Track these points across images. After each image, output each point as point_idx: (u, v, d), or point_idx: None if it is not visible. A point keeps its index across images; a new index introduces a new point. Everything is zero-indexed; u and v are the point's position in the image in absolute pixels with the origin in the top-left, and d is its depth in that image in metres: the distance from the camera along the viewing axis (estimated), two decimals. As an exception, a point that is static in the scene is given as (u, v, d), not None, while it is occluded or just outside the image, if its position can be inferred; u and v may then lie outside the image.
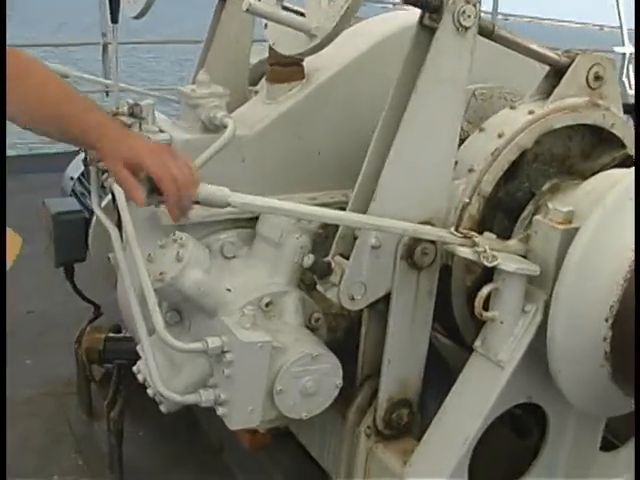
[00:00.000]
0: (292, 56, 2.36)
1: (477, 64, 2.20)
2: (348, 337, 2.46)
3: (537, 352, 2.02)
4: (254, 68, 3.32)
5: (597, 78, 2.36)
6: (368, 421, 2.35)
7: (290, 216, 2.25)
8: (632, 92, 12.11)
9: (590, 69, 2.34)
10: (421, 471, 2.19)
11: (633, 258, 1.90)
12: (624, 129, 2.44)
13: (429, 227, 2.10)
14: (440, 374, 2.36)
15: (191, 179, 1.87)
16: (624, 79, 11.85)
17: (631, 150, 2.43)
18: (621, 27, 12.87)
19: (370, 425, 2.35)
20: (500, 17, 13.67)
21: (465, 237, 2.00)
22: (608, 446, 2.53)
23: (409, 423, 2.36)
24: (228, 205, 1.96)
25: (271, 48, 2.53)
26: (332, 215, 2.07)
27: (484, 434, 2.13)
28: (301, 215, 2.14)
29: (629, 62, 12.03)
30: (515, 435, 2.47)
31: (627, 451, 2.55)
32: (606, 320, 1.93)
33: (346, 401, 2.37)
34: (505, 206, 2.27)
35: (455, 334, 2.36)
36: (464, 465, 2.13)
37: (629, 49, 12.19)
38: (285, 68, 2.63)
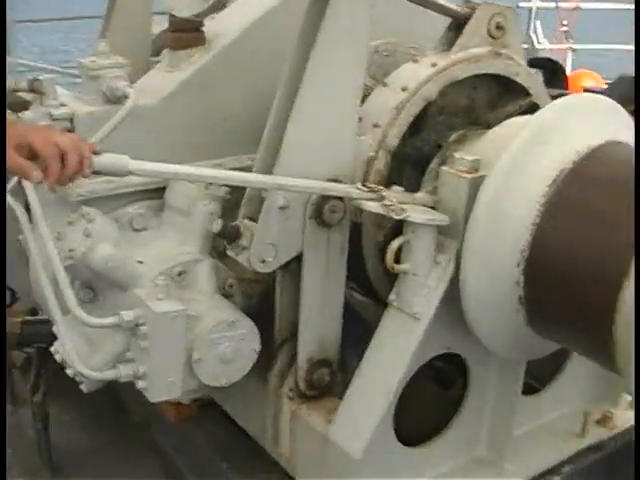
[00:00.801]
0: (190, 19, 2.31)
1: (380, 19, 2.17)
2: (264, 302, 2.44)
3: (453, 302, 2.03)
4: (157, 39, 3.23)
5: (499, 28, 2.36)
6: (290, 384, 2.34)
7: (192, 180, 2.22)
8: (540, 46, 12.33)
9: (491, 19, 2.34)
10: (345, 428, 2.18)
11: (541, 202, 1.91)
12: (528, 78, 2.45)
13: (336, 184, 2.08)
14: (359, 331, 2.36)
15: (77, 145, 1.84)
16: (532, 34, 12.04)
17: (536, 98, 2.45)
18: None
19: (292, 387, 2.34)
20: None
21: (372, 191, 1.99)
22: (530, 390, 2.57)
23: (331, 382, 2.35)
24: (130, 173, 1.91)
25: (172, 15, 2.47)
26: (235, 177, 2.05)
27: (408, 388, 2.14)
28: (203, 179, 2.11)
29: (536, 17, 12.21)
30: (439, 386, 2.49)
31: (549, 393, 2.60)
32: (517, 265, 1.94)
33: (266, 365, 2.36)
34: (412, 159, 2.27)
35: (370, 290, 2.36)
36: (388, 419, 2.13)
37: (535, 3, 12.35)
38: (186, 34, 2.56)
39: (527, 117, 2.16)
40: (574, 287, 1.87)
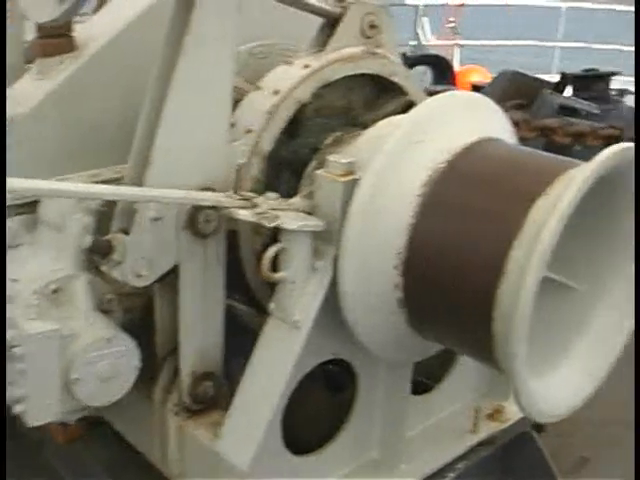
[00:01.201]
0: (56, 24, 2.21)
1: (254, 21, 2.13)
2: (147, 315, 2.36)
3: (335, 307, 2.00)
4: (30, 45, 3.10)
5: (372, 27, 2.34)
6: (174, 398, 2.28)
7: (54, 196, 2.11)
8: (427, 43, 12.54)
9: (364, 18, 2.32)
10: (232, 441, 2.14)
11: (417, 202, 1.90)
12: (404, 76, 2.44)
13: (207, 193, 2.03)
14: (246, 342, 2.31)
15: None
16: (419, 30, 12.24)
17: (413, 97, 2.44)
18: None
19: (177, 402, 2.28)
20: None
21: (244, 199, 1.94)
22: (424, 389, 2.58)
23: (216, 395, 2.30)
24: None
25: (39, 21, 2.36)
26: (101, 191, 1.96)
27: (298, 395, 2.10)
28: (66, 194, 2.01)
29: (423, 14, 12.42)
30: (330, 391, 2.46)
31: (440, 391, 2.60)
32: (395, 267, 1.92)
33: (150, 381, 2.29)
34: (290, 164, 2.23)
35: (252, 300, 2.31)
36: (275, 429, 2.09)
37: (421, 1, 12.55)
38: (53, 40, 2.45)
39: (401, 117, 2.15)
40: (452, 286, 1.86)
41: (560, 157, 2.00)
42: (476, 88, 7.90)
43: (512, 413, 2.67)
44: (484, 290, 1.76)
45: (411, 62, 10.46)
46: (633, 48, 16.02)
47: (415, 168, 1.92)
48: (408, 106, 2.41)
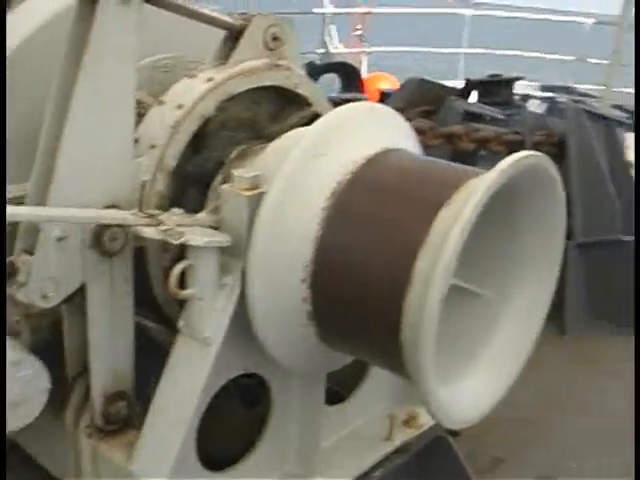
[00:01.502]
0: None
1: (157, 34, 2.10)
2: (55, 334, 2.31)
3: (245, 322, 1.98)
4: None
5: (275, 39, 2.34)
6: (87, 420, 2.23)
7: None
8: (335, 51, 12.66)
9: (267, 30, 2.32)
10: (146, 461, 2.10)
11: (322, 215, 1.90)
12: (309, 88, 2.45)
13: (112, 211, 1.99)
14: (157, 359, 2.27)
15: None
16: (326, 38, 12.33)
17: (317, 108, 2.45)
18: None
19: (89, 424, 2.23)
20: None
21: (149, 216, 1.91)
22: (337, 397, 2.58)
23: (129, 415, 2.26)
24: None
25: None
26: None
27: (213, 411, 2.08)
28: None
29: (330, 22, 12.52)
30: (245, 405, 2.45)
31: (355, 401, 2.61)
32: (303, 281, 1.92)
33: (62, 403, 2.24)
34: (195, 178, 2.21)
35: (163, 317, 2.28)
36: (189, 447, 2.07)
37: (328, 9, 12.66)
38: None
39: (304, 129, 2.15)
40: (360, 298, 1.87)
41: (462, 166, 2.03)
42: (384, 95, 8.00)
43: (426, 419, 2.70)
44: (391, 301, 1.77)
45: (319, 70, 10.53)
46: (536, 54, 16.49)
47: (320, 181, 1.92)
48: (313, 117, 2.42)
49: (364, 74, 12.38)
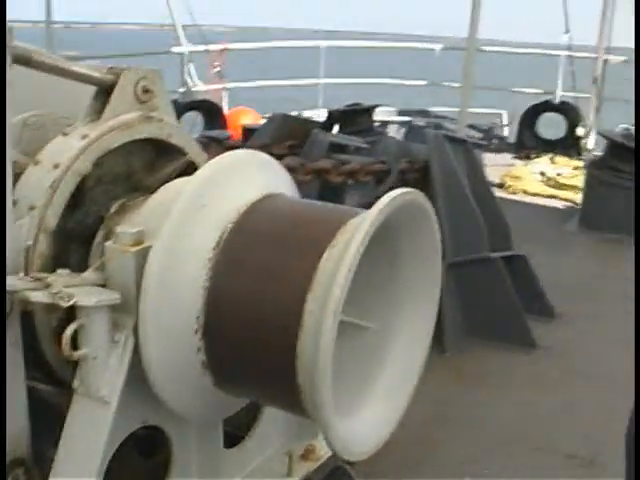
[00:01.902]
0: None
1: (26, 91, 2.08)
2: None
3: (141, 376, 1.98)
4: None
5: (146, 91, 2.36)
6: (-17, 490, 2.16)
7: None
8: (196, 89, 12.74)
9: (137, 83, 2.33)
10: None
11: (209, 265, 1.93)
12: (181, 137, 2.47)
13: (-2, 278, 1.95)
14: (53, 423, 2.23)
15: None
16: (187, 77, 12.39)
17: (192, 156, 2.48)
18: (175, 26, 13.36)
19: None
20: (57, 25, 13.51)
21: (36, 280, 1.89)
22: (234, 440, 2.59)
23: (28, 482, 2.20)
24: None
25: None
26: None
27: (113, 468, 2.04)
28: None
29: (189, 61, 12.58)
30: (144, 455, 2.43)
31: (253, 440, 2.63)
32: (195, 332, 1.94)
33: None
34: (77, 236, 2.20)
35: (55, 378, 2.24)
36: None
37: (186, 48, 12.72)
38: None
39: (185, 180, 2.18)
40: (254, 345, 1.90)
41: (341, 207, 2.11)
42: (247, 130, 8.09)
43: (324, 450, 2.74)
44: (284, 345, 1.82)
45: (181, 109, 10.55)
46: (390, 80, 17.00)
47: (204, 231, 1.95)
48: (188, 166, 2.46)
49: (226, 110, 12.48)
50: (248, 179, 2.09)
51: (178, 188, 2.09)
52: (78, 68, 2.24)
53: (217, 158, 2.09)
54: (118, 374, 1.96)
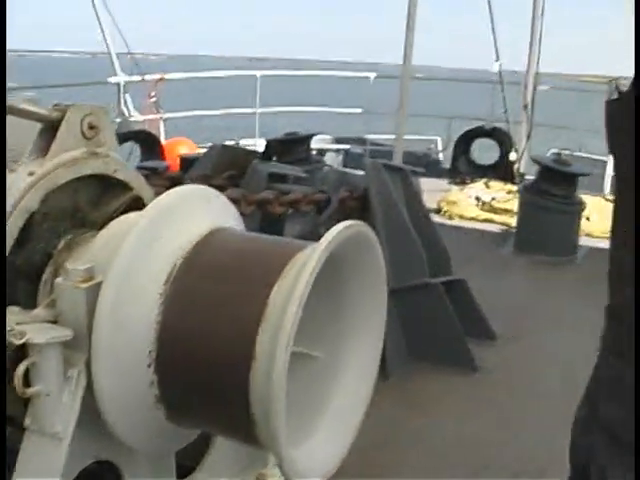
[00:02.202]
0: None
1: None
2: None
3: (95, 411, 1.99)
4: None
5: (92, 128, 2.37)
6: None
7: None
8: (133, 119, 12.72)
9: (83, 120, 2.35)
10: None
11: (161, 300, 1.96)
12: (127, 172, 2.49)
13: (-52, 319, 1.95)
14: (10, 460, 2.22)
15: None
16: (123, 107, 12.36)
17: (138, 190, 2.50)
18: (111, 57, 13.33)
19: None
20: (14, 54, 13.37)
21: (-14, 320, 1.89)
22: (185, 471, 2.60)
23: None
24: None
25: None
26: None
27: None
28: None
29: (125, 91, 12.57)
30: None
31: (204, 471, 2.63)
32: (149, 366, 1.96)
33: None
34: (25, 272, 2.20)
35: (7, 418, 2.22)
36: None
37: (122, 78, 12.71)
38: None
39: (134, 216, 2.21)
40: (206, 378, 1.93)
41: (288, 240, 2.17)
42: (184, 160, 8.11)
43: (275, 477, 2.76)
44: (237, 378, 1.85)
45: (119, 139, 10.49)
46: (326, 108, 17.16)
47: (154, 266, 1.98)
48: (133, 200, 2.48)
49: (163, 140, 12.46)
50: (196, 214, 2.13)
51: (127, 224, 2.11)
52: (25, 105, 2.25)
53: (165, 194, 2.12)
54: (71, 410, 1.97)
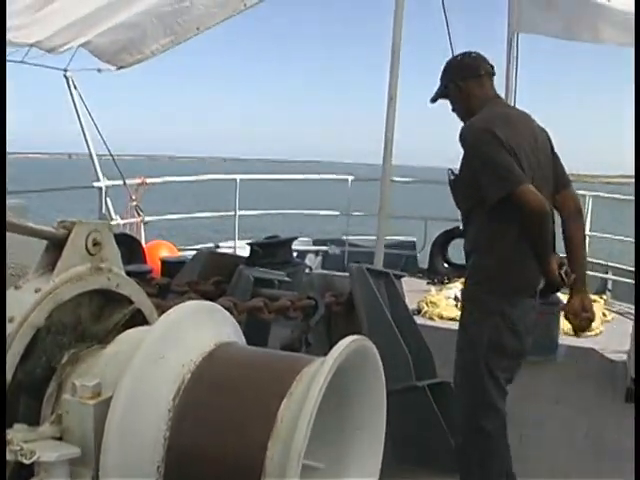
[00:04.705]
0: None
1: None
2: None
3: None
4: None
5: (96, 244, 2.43)
6: None
7: None
8: (114, 222, 12.85)
9: (88, 236, 2.40)
10: None
11: (169, 416, 1.98)
12: (129, 286, 2.54)
13: (-43, 437, 1.96)
14: None
15: None
16: (105, 212, 12.54)
17: (138, 305, 2.54)
18: (93, 161, 13.54)
19: None
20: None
21: (-4, 437, 1.90)
22: None
23: None
24: None
25: None
26: None
27: None
28: None
29: (107, 195, 12.75)
30: None
31: None
32: (156, 481, 1.97)
33: None
34: (27, 387, 2.21)
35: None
36: None
37: (105, 183, 12.89)
38: None
39: (139, 331, 2.24)
40: (216, 494, 1.94)
41: (293, 355, 2.20)
42: (165, 263, 8.16)
43: None
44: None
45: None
46: (305, 211, 17.41)
47: (162, 383, 2.00)
48: (135, 313, 2.53)
49: (144, 243, 12.55)
50: (202, 329, 2.17)
51: (134, 340, 2.14)
52: (31, 224, 2.30)
53: (172, 310, 2.16)
54: (78, 528, 1.97)
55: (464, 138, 5.19)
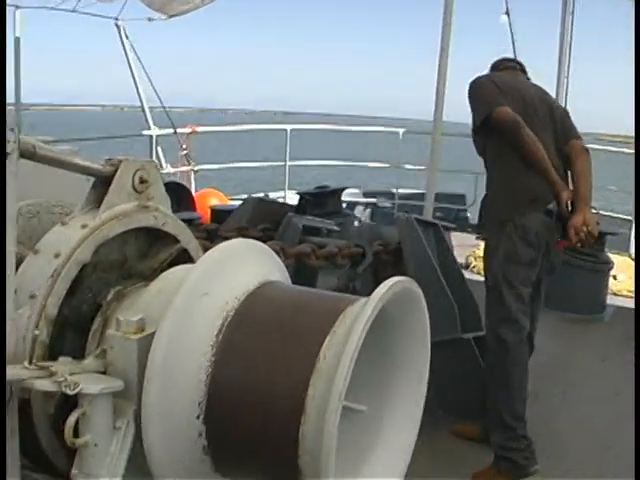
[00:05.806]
0: None
1: (21, 181, 2.13)
2: None
3: (142, 460, 1.99)
4: None
5: (142, 182, 2.42)
6: None
7: None
8: (164, 171, 12.90)
9: (135, 174, 2.40)
10: None
11: (212, 352, 1.98)
12: (175, 225, 2.54)
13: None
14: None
15: None
16: (155, 159, 12.61)
17: (185, 244, 2.54)
18: (144, 110, 13.59)
19: None
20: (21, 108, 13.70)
21: (41, 369, 1.92)
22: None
23: None
24: None
25: None
26: None
27: None
28: None
29: (157, 144, 12.80)
30: None
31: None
32: (197, 417, 1.97)
33: None
34: (73, 323, 2.22)
35: (49, 466, 2.24)
36: None
37: (155, 132, 12.92)
38: None
39: (184, 269, 2.24)
40: (255, 430, 1.94)
41: (337, 294, 2.18)
42: (215, 211, 8.18)
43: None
44: (287, 430, 1.85)
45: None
46: (355, 162, 17.31)
47: (206, 319, 2.00)
48: (181, 253, 2.52)
49: (194, 192, 12.62)
50: (246, 267, 2.16)
51: (178, 277, 2.14)
52: (79, 160, 2.30)
53: (216, 248, 2.15)
54: (119, 460, 1.98)
55: (469, 87, 5.63)
